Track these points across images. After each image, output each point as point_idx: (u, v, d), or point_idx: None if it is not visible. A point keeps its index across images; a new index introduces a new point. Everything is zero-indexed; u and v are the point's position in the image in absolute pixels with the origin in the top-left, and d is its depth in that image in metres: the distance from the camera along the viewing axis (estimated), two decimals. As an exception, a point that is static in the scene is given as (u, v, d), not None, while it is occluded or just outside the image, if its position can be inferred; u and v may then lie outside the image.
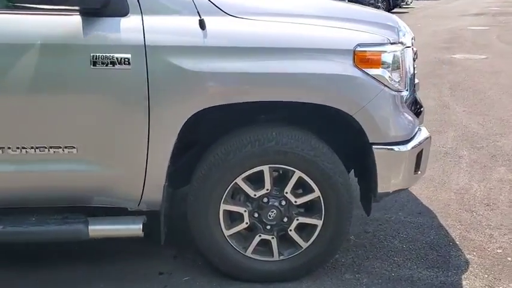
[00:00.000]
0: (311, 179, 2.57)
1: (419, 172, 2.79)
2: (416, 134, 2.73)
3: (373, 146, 2.54)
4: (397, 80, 2.57)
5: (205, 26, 2.37)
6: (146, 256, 2.95)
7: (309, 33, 2.49)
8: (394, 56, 2.53)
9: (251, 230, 2.68)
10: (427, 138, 2.78)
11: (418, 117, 2.81)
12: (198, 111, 2.40)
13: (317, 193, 2.59)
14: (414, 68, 2.94)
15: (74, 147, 2.42)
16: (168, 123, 2.41)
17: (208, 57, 2.37)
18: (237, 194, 2.64)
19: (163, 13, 2.40)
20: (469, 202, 3.68)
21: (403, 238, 3.18)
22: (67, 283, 2.75)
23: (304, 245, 2.67)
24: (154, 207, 2.57)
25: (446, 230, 3.27)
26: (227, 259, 2.68)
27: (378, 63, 2.48)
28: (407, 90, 2.69)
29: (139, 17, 2.36)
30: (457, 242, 3.12)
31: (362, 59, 2.45)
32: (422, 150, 2.74)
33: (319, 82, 2.45)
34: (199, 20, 2.36)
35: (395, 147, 2.57)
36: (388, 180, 2.63)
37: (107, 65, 2.32)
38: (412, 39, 2.93)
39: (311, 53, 2.44)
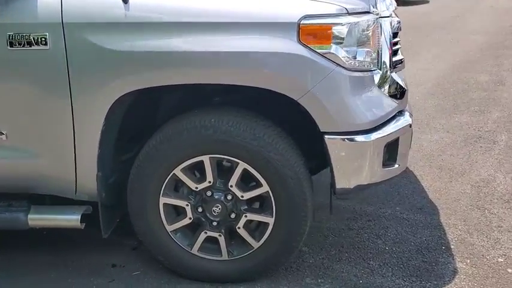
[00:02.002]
0: (258, 172, 2.26)
1: (396, 165, 2.38)
2: (390, 121, 2.31)
3: (325, 136, 2.17)
4: (362, 58, 2.17)
5: (127, 0, 2.11)
6: (106, 246, 2.80)
7: (247, 4, 2.15)
8: (354, 29, 2.13)
9: (197, 226, 2.43)
10: (404, 126, 2.35)
11: (399, 100, 2.39)
12: (124, 95, 2.17)
13: (265, 187, 2.28)
14: (396, 42, 2.49)
15: (3, 133, 2.29)
16: (91, 108, 2.20)
17: (130, 35, 2.11)
18: (180, 187, 2.40)
19: None
20: (485, 197, 3.16)
21: (389, 238, 2.78)
22: (21, 271, 2.66)
23: (255, 244, 2.38)
24: (91, 197, 2.40)
25: (444, 231, 2.82)
26: (172, 256, 2.45)
27: (328, 38, 2.08)
28: (382, 69, 2.28)
29: (60, -7, 2.15)
30: (452, 246, 2.67)
31: (308, 33, 2.07)
32: (397, 140, 2.32)
33: (256, 62, 2.11)
34: (121, -7, 2.11)
35: (354, 137, 2.18)
36: (347, 175, 2.25)
37: (23, 46, 2.13)
38: (393, 7, 2.48)
39: (248, 27, 2.09)
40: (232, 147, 2.23)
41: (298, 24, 2.06)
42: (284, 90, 2.12)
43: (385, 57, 2.32)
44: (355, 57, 2.15)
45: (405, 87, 2.44)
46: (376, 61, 2.26)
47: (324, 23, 2.08)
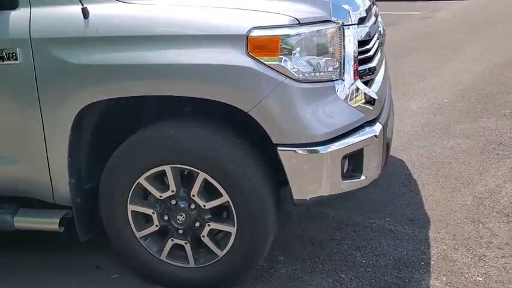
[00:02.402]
0: (217, 182, 2.28)
1: (363, 177, 2.32)
2: (353, 131, 2.25)
3: (278, 148, 2.15)
4: (318, 69, 2.13)
5: (88, 15, 2.19)
6: (94, 248, 2.92)
7: (199, 17, 2.15)
8: (306, 40, 2.09)
9: (165, 234, 2.48)
10: (369, 137, 2.28)
11: (369, 108, 2.32)
12: (89, 106, 2.26)
13: (225, 198, 2.29)
14: (368, 49, 2.41)
15: (-15, 142, 2.46)
16: (58, 118, 2.30)
17: (89, 49, 2.19)
18: (148, 195, 2.46)
19: (51, 4, 2.27)
20: (483, 210, 2.99)
21: (369, 251, 2.70)
22: (8, 272, 2.76)
23: (219, 253, 2.40)
24: (67, 202, 2.52)
25: (428, 245, 2.70)
26: (143, 262, 2.53)
27: (276, 50, 2.06)
28: (346, 78, 2.22)
29: (28, 9, 2.27)
30: (432, 262, 2.56)
31: (256, 45, 2.06)
32: (360, 151, 2.26)
33: (206, 75, 2.11)
34: (82, 9, 2.19)
35: (308, 149, 2.14)
36: (302, 187, 2.22)
37: (-3, 61, 2.28)
38: (371, 15, 2.41)
39: (198, 40, 2.11)
40: (191, 158, 2.27)
41: (247, 37, 2.06)
42: (235, 103, 2.12)
43: (350, 67, 2.25)
44: (308, 68, 2.12)
45: (374, 97, 2.36)
46: (338, 71, 2.21)
47: (272, 35, 2.06)
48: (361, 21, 2.37)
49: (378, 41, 2.73)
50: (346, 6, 2.29)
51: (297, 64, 2.09)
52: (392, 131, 2.87)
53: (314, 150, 2.15)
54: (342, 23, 2.22)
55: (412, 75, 6.09)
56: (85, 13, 2.19)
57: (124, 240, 2.50)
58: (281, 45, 2.06)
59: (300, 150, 2.14)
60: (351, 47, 2.25)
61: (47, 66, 2.25)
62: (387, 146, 2.51)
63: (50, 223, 2.56)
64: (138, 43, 2.15)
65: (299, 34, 2.08)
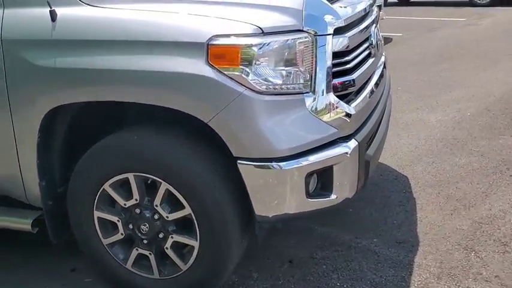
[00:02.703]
0: (180, 194, 2.20)
1: (332, 196, 2.18)
2: (323, 147, 2.12)
3: (238, 161, 2.05)
4: (283, 80, 2.02)
5: (55, 18, 2.16)
6: (73, 250, 2.90)
7: (161, 23, 2.07)
8: (270, 50, 1.98)
9: (131, 242, 2.43)
10: (339, 155, 2.14)
11: (344, 123, 2.18)
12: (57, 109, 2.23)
13: (188, 210, 2.21)
14: (346, 61, 2.26)
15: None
16: (26, 120, 2.28)
17: (54, 51, 2.16)
18: (115, 202, 2.41)
19: (23, 5, 2.26)
20: (480, 237, 2.77)
21: (347, 274, 2.55)
22: None
23: (183, 266, 2.32)
24: (39, 204, 2.50)
25: (411, 272, 2.52)
26: (110, 269, 2.48)
27: (236, 60, 1.95)
28: (317, 91, 2.09)
29: (2, 10, 2.27)
30: (409, 291, 2.39)
31: (216, 54, 1.96)
32: (328, 169, 2.12)
33: (166, 82, 2.03)
34: (50, 11, 2.17)
35: (268, 165, 2.03)
36: (264, 203, 2.11)
37: (-29, 61, 2.29)
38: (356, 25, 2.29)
39: (160, 46, 2.03)
40: (153, 167, 2.20)
41: (207, 45, 1.97)
42: (194, 112, 2.04)
43: (323, 79, 2.12)
44: (273, 80, 2.01)
45: (349, 112, 2.21)
46: (309, 83, 2.08)
47: (233, 44, 1.96)
48: (339, 31, 2.22)
49: (367, 51, 2.59)
50: (322, 16, 2.16)
51: (258, 75, 1.98)
52: (381, 148, 2.72)
53: (275, 165, 2.03)
54: (315, 32, 2.09)
55: (438, 86, 5.81)
56: (53, 16, 2.16)
57: (91, 246, 2.47)
58: (241, 55, 1.95)
59: (259, 165, 2.03)
60: (324, 59, 2.12)
61: (16, 67, 2.23)
62: (366, 164, 2.36)
63: (23, 223, 2.56)
64: (100, 47, 2.10)
65: (262, 44, 1.97)
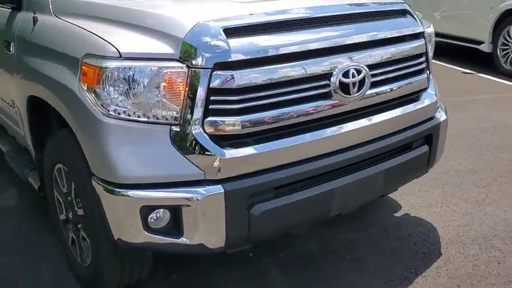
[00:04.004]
0: (76, 193, 2.42)
1: (183, 239, 2.05)
2: (181, 185, 2.01)
3: (92, 178, 2.12)
4: (139, 108, 2.01)
5: (36, 23, 2.58)
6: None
7: (70, 37, 2.30)
8: (126, 75, 1.98)
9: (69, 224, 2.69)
10: (186, 197, 1.98)
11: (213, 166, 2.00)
12: None
13: (81, 211, 2.39)
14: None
15: None
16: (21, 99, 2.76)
17: (32, 51, 2.59)
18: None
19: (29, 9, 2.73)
20: None
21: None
22: None
23: (87, 260, 2.52)
24: None
25: None
26: (64, 242, 2.81)
27: (94, 80, 2.02)
28: (185, 126, 1.99)
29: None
30: None
31: (84, 72, 2.07)
32: (176, 209, 2.01)
33: (58, 90, 2.26)
34: (33, 17, 2.59)
35: (107, 188, 2.06)
36: (111, 225, 2.13)
37: None
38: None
39: (61, 57, 2.26)
40: (66, 164, 2.44)
41: (81, 61, 2.09)
42: (70, 122, 2.22)
43: (193, 114, 1.98)
44: (124, 105, 2.01)
45: (221, 156, 1.98)
46: (175, 115, 2.00)
47: (93, 65, 2.03)
48: (228, 66, 1.99)
49: (315, 91, 2.20)
50: (206, 47, 1.98)
51: (108, 98, 2.01)
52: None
53: (116, 190, 2.03)
54: (192, 64, 1.97)
55: None
56: (34, 21, 2.59)
57: (54, 218, 2.84)
58: (97, 76, 2.01)
59: (105, 187, 2.07)
60: (199, 93, 1.97)
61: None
62: (249, 217, 2.08)
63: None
64: (40, 51, 2.47)
65: (117, 68, 1.98)
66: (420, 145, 2.69)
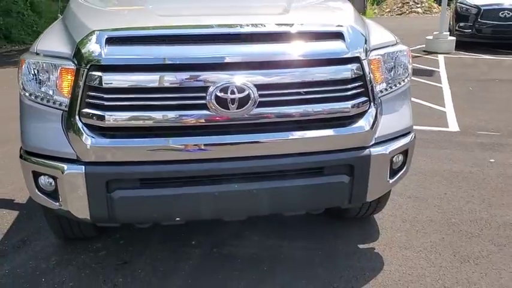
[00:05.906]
0: None
1: (56, 203, 2.57)
2: (63, 160, 2.49)
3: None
4: (43, 95, 2.55)
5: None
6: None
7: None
8: (32, 68, 2.55)
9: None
10: (56, 168, 2.48)
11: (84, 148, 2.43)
12: None
13: None
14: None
15: None
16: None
17: None
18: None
19: None
20: None
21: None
22: None
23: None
24: None
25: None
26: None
27: (21, 70, 2.60)
28: (70, 113, 2.48)
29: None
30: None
31: (20, 64, 2.65)
32: (54, 179, 2.53)
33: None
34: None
35: (20, 152, 2.66)
36: (25, 182, 2.69)
37: None
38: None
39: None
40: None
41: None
42: None
43: (73, 104, 2.45)
44: (34, 91, 2.55)
45: (85, 142, 2.41)
46: (65, 103, 2.48)
47: (21, 58, 2.64)
48: (102, 68, 2.39)
49: (189, 101, 2.42)
50: (91, 51, 2.41)
51: (26, 83, 2.58)
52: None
53: (21, 155, 2.63)
54: (77, 64, 2.44)
55: None
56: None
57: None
58: (21, 66, 2.60)
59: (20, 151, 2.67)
60: (78, 88, 2.43)
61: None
62: (109, 199, 2.45)
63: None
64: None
65: (34, 63, 2.56)
66: (335, 173, 2.61)
